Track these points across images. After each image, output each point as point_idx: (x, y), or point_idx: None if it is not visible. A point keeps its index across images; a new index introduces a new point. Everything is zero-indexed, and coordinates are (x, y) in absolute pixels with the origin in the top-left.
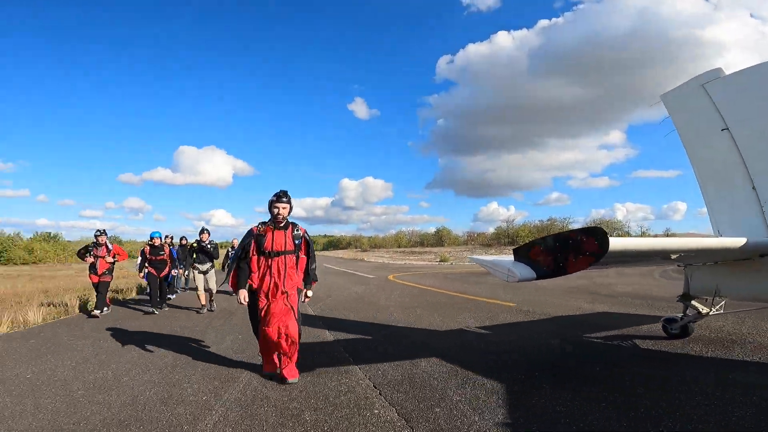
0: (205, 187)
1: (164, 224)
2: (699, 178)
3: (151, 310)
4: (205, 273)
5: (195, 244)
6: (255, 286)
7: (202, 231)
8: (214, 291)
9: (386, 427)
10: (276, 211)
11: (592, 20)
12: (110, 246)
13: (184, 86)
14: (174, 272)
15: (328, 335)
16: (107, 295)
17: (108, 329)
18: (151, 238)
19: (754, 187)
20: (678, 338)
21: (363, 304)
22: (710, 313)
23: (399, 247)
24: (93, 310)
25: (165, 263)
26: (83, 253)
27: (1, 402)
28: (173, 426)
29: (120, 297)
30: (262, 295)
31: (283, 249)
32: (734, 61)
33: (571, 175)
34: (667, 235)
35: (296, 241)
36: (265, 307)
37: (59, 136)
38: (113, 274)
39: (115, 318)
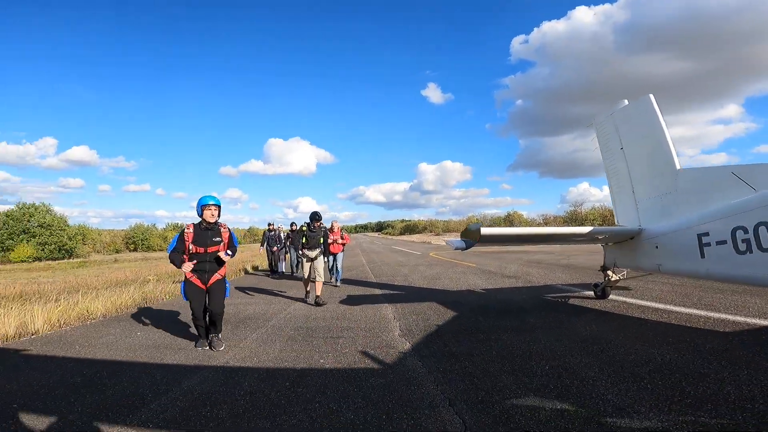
0: (292, 176)
1: (258, 212)
2: (609, 185)
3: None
4: (313, 260)
5: (305, 228)
6: None
7: (314, 217)
8: (322, 280)
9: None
10: None
11: None
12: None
13: (272, 83)
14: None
15: (371, 276)
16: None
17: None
18: (204, 206)
19: (633, 191)
20: (600, 299)
21: (397, 265)
22: (618, 279)
23: None
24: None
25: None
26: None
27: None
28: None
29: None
30: None
31: None
32: None
33: (679, 152)
34: None
35: None
36: None
37: (171, 136)
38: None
39: None
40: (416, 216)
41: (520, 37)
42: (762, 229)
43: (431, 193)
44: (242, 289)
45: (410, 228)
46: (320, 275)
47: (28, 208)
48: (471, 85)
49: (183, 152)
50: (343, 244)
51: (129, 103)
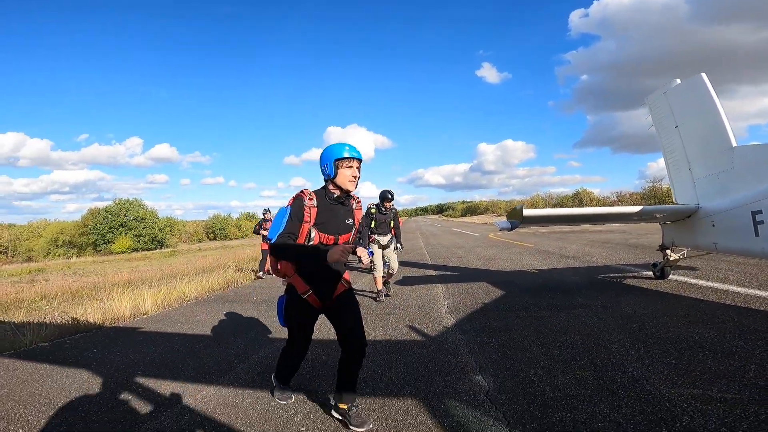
0: None
1: None
2: (666, 164)
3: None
4: (385, 248)
5: (374, 211)
6: None
7: (385, 197)
8: (396, 270)
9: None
10: None
11: None
12: None
13: (327, 73)
14: None
15: (428, 258)
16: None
17: None
18: (339, 160)
19: (690, 169)
20: (659, 279)
21: (454, 247)
22: (678, 259)
23: None
24: (258, 272)
25: None
26: (257, 228)
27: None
28: None
29: None
30: None
31: None
32: None
33: None
34: None
35: None
36: None
37: (239, 130)
38: None
39: None
40: (477, 197)
41: (579, 11)
42: None
43: (492, 173)
44: None
45: (471, 209)
46: (378, 267)
47: (124, 204)
48: (528, 63)
49: (250, 145)
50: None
51: (200, 101)
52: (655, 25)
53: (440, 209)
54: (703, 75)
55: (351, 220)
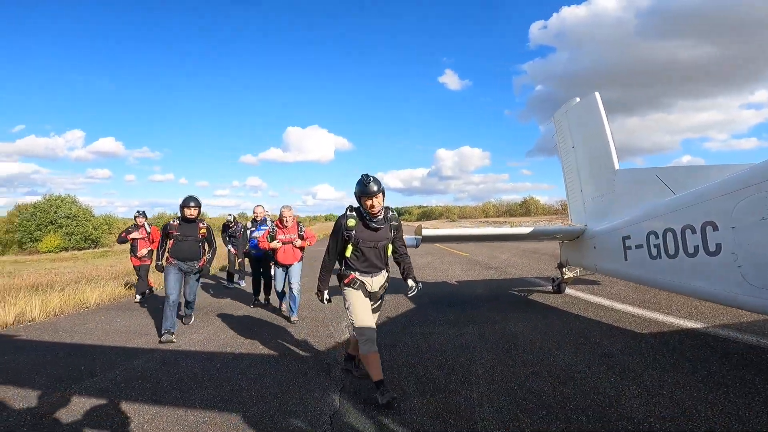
0: (310, 163)
1: (277, 200)
2: (565, 183)
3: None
4: (374, 297)
5: (352, 221)
6: None
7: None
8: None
9: None
10: None
11: None
12: (149, 228)
13: (288, 73)
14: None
15: None
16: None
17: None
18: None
19: (581, 191)
20: (557, 294)
21: None
22: (572, 277)
23: (486, 217)
24: (136, 296)
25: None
26: (124, 236)
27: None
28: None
29: None
30: None
31: None
32: None
33: (708, 137)
34: None
35: None
36: None
37: (193, 126)
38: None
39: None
40: (434, 202)
41: (539, 23)
42: (669, 235)
43: (450, 178)
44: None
45: (427, 214)
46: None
47: (55, 200)
48: (489, 71)
49: (205, 142)
50: (303, 248)
51: (152, 94)
52: (607, 38)
53: (397, 213)
54: (597, 94)
55: None
